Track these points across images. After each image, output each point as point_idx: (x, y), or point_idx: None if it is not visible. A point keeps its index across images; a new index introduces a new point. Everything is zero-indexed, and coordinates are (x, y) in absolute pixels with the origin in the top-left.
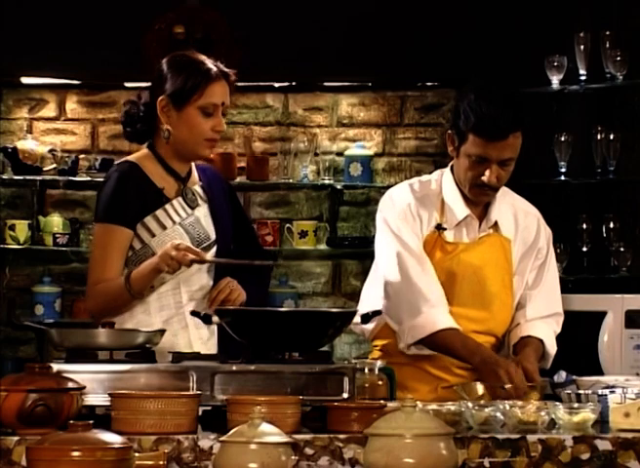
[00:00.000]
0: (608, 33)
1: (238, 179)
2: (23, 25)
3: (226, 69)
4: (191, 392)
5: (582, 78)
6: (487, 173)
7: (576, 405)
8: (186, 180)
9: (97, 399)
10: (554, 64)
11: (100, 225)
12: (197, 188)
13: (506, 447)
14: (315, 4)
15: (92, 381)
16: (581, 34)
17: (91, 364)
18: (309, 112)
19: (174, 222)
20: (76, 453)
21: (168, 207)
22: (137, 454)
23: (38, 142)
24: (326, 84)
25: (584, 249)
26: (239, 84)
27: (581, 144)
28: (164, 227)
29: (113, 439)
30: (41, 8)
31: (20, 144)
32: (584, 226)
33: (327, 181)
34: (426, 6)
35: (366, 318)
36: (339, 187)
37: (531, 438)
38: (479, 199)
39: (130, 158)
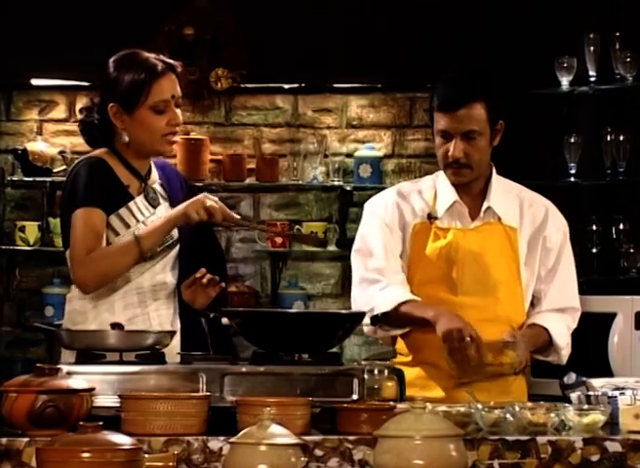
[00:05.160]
0: (617, 34)
1: (247, 181)
2: (33, 27)
3: (171, 61)
4: (201, 393)
5: (592, 79)
6: (450, 147)
7: (585, 406)
8: (146, 178)
9: (106, 400)
10: (564, 66)
11: (81, 210)
12: (157, 186)
13: (516, 448)
14: (324, 6)
15: (101, 382)
16: (591, 35)
17: (100, 365)
18: (319, 114)
19: (137, 221)
20: (86, 455)
21: (131, 205)
22: (146, 456)
23: (48, 144)
24: (335, 85)
25: (594, 250)
26: (249, 85)
27: (591, 145)
28: (127, 226)
29: (123, 440)
30: (50, 10)
31: (30, 146)
32: (594, 228)
33: (336, 183)
34: (435, 7)
35: (375, 319)
36: (348, 189)
37: (540, 439)
38: (455, 179)
39: (93, 154)
